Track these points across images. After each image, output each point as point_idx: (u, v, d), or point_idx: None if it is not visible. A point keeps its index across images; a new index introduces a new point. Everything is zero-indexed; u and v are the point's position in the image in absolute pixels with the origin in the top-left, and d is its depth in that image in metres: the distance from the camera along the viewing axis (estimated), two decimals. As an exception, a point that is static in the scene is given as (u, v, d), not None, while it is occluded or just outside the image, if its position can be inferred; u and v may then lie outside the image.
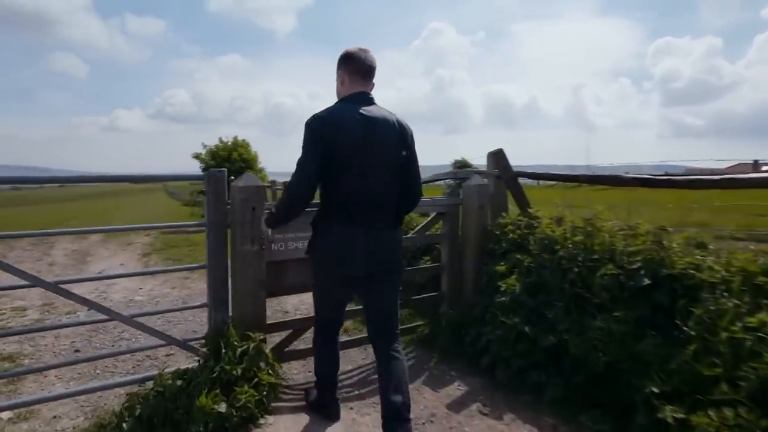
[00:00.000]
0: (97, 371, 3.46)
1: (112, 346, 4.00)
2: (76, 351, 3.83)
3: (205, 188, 2.76)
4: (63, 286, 2.42)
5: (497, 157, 3.77)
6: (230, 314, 2.82)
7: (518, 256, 3.30)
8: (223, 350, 2.50)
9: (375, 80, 2.12)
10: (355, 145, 1.95)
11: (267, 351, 2.72)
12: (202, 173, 2.75)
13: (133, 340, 4.24)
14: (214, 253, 2.78)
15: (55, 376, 3.36)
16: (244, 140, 15.19)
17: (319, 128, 1.96)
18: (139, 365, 3.56)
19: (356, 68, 2.07)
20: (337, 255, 2.06)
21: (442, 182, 5.50)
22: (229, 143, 14.94)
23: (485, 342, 3.14)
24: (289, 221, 2.35)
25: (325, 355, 2.48)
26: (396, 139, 2.05)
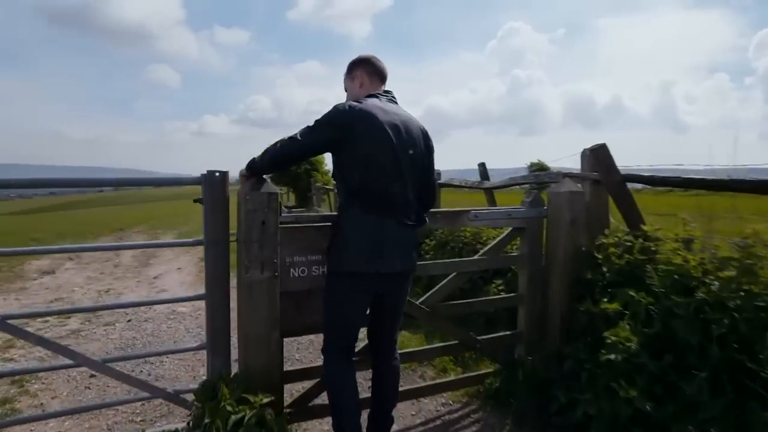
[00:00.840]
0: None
1: (132, 371, 3.51)
2: (87, 387, 3.35)
3: (202, 195, 2.11)
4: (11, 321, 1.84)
5: (599, 154, 2.81)
6: (236, 359, 2.15)
7: (632, 294, 2.34)
8: (207, 420, 1.80)
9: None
10: (389, 138, 1.91)
11: (274, 416, 1.98)
12: (198, 176, 2.09)
13: (157, 364, 3.77)
14: (212, 280, 2.12)
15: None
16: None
17: (345, 114, 1.92)
18: (136, 413, 2.98)
19: (376, 71, 2.12)
20: (373, 248, 1.90)
21: (519, 188, 4.60)
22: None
23: (582, 415, 2.22)
24: (267, 173, 2.13)
25: (346, 396, 2.03)
26: (422, 141, 2.07)
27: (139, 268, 8.15)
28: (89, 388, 3.30)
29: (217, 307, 2.11)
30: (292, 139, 1.92)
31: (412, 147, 1.98)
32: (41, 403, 3.05)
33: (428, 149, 2.09)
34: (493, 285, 3.77)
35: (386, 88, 2.15)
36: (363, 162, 1.90)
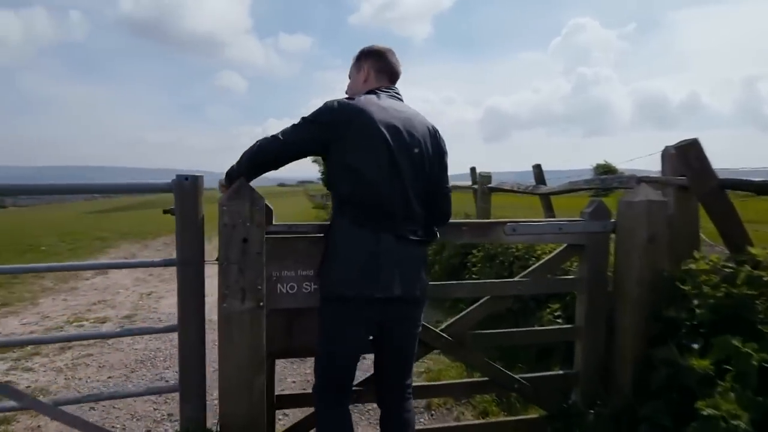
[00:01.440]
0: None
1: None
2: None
3: (174, 204, 1.73)
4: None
5: (688, 153, 2.17)
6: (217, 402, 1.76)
7: (736, 344, 1.70)
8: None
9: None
10: (385, 139, 1.61)
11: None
12: (168, 182, 1.72)
13: (174, 382, 3.50)
14: (184, 308, 1.74)
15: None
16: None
17: (334, 111, 1.65)
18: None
19: (386, 68, 1.83)
20: (361, 266, 1.59)
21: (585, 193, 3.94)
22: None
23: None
24: (247, 177, 1.76)
25: None
26: (431, 141, 1.74)
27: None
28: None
29: (190, 342, 1.73)
30: (273, 137, 1.67)
31: (416, 148, 1.67)
32: None
33: (438, 151, 1.76)
34: (548, 310, 3.17)
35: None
36: (354, 166, 1.61)
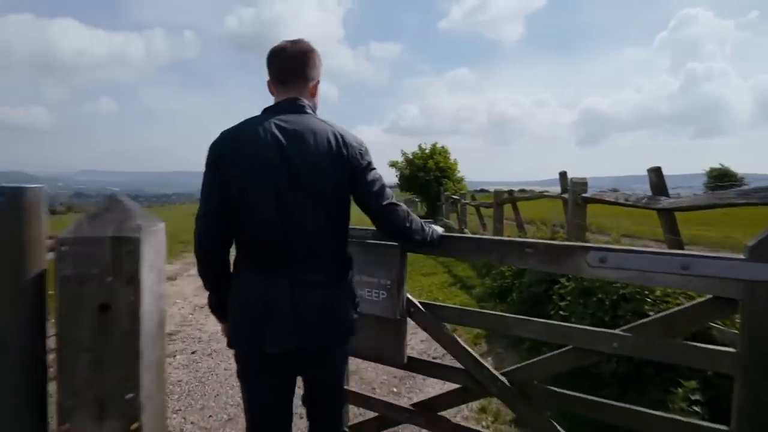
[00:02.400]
0: None
1: None
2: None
3: None
4: None
5: None
6: None
7: None
8: None
9: (308, 80, 1.53)
10: (263, 166, 1.38)
11: None
12: None
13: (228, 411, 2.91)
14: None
15: None
16: (443, 147, 13.77)
17: (214, 150, 1.44)
18: None
19: (275, 72, 1.52)
20: (252, 318, 1.43)
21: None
22: (427, 150, 13.71)
23: None
24: (217, 292, 1.54)
25: None
26: (330, 157, 1.41)
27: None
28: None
29: None
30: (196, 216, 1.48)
31: (314, 168, 1.40)
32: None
33: (347, 166, 1.44)
34: (680, 390, 2.07)
35: (295, 96, 1.51)
36: (240, 205, 1.41)
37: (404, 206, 1.53)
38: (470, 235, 1.65)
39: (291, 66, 1.50)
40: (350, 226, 1.60)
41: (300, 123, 1.43)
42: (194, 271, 9.28)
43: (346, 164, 1.43)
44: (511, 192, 6.29)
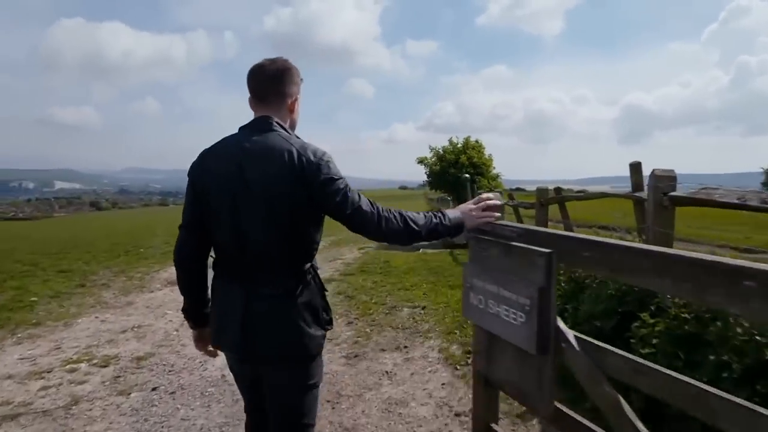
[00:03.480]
0: None
1: None
2: None
3: None
4: None
5: None
6: None
7: None
8: None
9: (283, 97, 1.58)
10: (225, 183, 1.48)
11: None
12: None
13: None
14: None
15: None
16: (477, 141, 12.57)
17: (193, 168, 1.57)
18: None
19: (253, 89, 1.58)
20: (216, 321, 1.61)
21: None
22: (459, 145, 12.54)
23: None
24: (189, 298, 1.67)
25: None
26: (286, 174, 1.44)
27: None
28: None
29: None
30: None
31: (264, 186, 1.44)
32: None
33: (307, 183, 1.44)
34: None
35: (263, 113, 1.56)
36: (207, 220, 1.54)
37: (372, 208, 1.51)
38: (642, 246, 1.14)
39: (269, 84, 1.55)
40: (503, 222, 1.65)
41: (262, 141, 1.49)
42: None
43: (303, 180, 1.45)
44: (558, 190, 5.15)
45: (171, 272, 8.20)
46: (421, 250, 10.34)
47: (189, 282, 1.63)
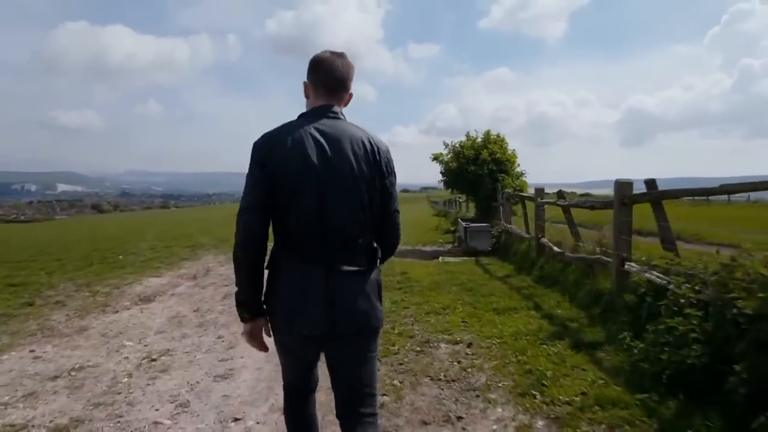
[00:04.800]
0: None
1: None
2: None
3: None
4: None
5: None
6: None
7: None
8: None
9: (353, 89, 1.73)
10: (306, 166, 1.54)
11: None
12: None
13: None
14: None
15: None
16: (498, 135, 11.18)
17: (259, 150, 1.58)
18: None
19: (322, 80, 1.66)
20: (287, 304, 1.59)
21: None
22: (479, 139, 11.16)
23: None
24: (250, 284, 1.61)
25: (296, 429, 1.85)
26: (364, 159, 1.60)
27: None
28: None
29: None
30: (239, 210, 1.56)
31: (350, 168, 1.56)
32: None
33: (379, 169, 1.62)
34: None
35: (334, 104, 1.66)
36: (281, 200, 1.55)
37: None
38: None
39: (341, 78, 1.65)
40: None
41: (338, 128, 1.60)
42: (183, 288, 7.25)
43: (377, 167, 1.61)
44: (652, 184, 3.74)
45: (146, 285, 6.84)
46: (441, 258, 8.97)
47: (254, 266, 1.58)
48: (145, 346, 4.26)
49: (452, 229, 15.20)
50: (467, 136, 11.46)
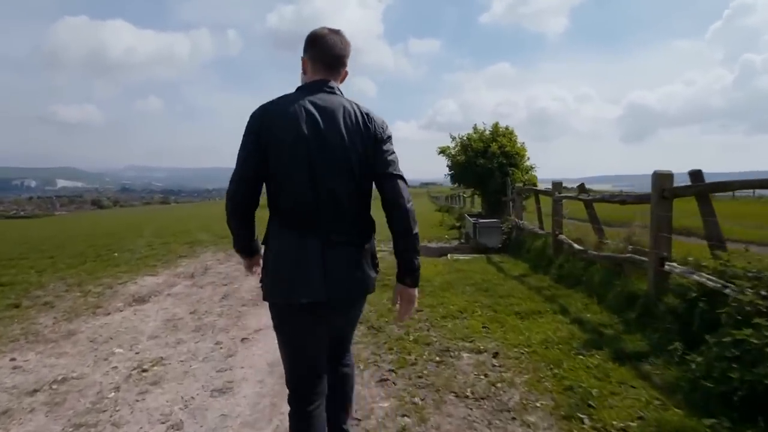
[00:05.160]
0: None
1: None
2: None
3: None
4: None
5: None
6: None
7: None
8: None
9: (349, 68, 1.77)
10: (298, 137, 1.58)
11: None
12: None
13: None
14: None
15: None
16: (507, 128, 10.77)
17: (256, 120, 1.63)
18: None
19: (320, 55, 1.70)
20: (287, 275, 1.63)
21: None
22: (487, 132, 10.74)
23: None
24: (243, 239, 1.81)
25: None
26: (356, 131, 1.64)
27: (248, 306, 5.29)
28: None
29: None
30: (230, 180, 1.66)
31: (339, 144, 1.59)
32: None
33: (370, 139, 1.64)
34: None
35: (331, 79, 1.70)
36: (275, 172, 1.61)
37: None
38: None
39: (339, 55, 1.70)
40: None
41: (332, 101, 1.64)
42: (180, 288, 6.88)
43: (370, 136, 1.64)
44: (698, 176, 3.34)
45: (140, 285, 6.47)
46: (449, 255, 8.59)
47: (245, 228, 1.75)
48: (137, 353, 3.90)
49: (457, 224, 14.81)
50: (474, 129, 11.05)
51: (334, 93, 1.67)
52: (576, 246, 5.54)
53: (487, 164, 9.98)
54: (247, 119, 1.63)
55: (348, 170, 1.60)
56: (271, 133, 1.57)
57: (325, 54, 1.67)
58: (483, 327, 3.99)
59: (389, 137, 1.70)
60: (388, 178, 1.64)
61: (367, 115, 1.66)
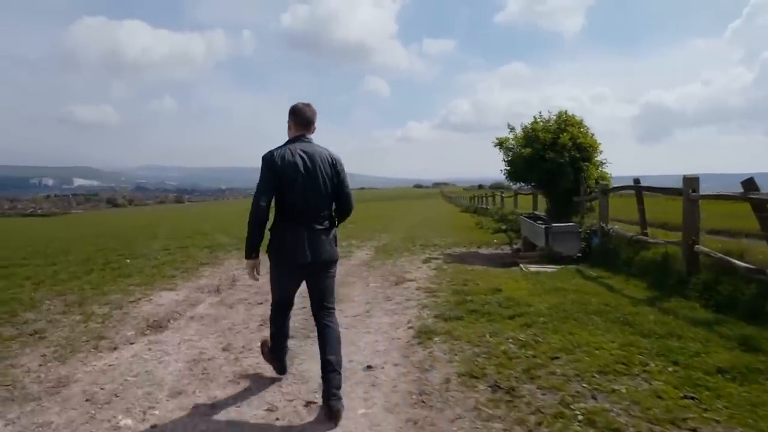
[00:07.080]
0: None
1: None
2: None
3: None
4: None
5: None
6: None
7: None
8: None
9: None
10: (296, 172, 2.73)
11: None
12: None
13: None
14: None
15: None
16: (575, 116, 9.27)
17: (270, 161, 2.73)
18: None
19: (298, 120, 2.89)
20: (290, 247, 2.75)
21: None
22: (552, 121, 9.22)
23: None
24: (256, 236, 2.78)
25: (279, 330, 3.11)
26: (328, 167, 2.82)
27: (298, 339, 3.93)
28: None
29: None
30: (254, 199, 2.74)
31: (317, 174, 2.76)
32: None
33: (335, 172, 2.84)
34: None
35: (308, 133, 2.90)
36: (283, 191, 2.74)
37: None
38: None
39: (310, 119, 2.89)
40: None
41: (312, 149, 2.82)
42: (205, 307, 5.54)
43: (334, 170, 2.83)
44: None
45: (156, 303, 5.17)
46: (521, 266, 7.16)
47: (261, 231, 2.76)
48: (153, 427, 2.58)
49: (503, 228, 13.36)
50: (535, 119, 9.57)
51: (311, 142, 2.87)
52: (736, 262, 4.09)
53: (558, 158, 8.50)
54: (263, 161, 2.74)
55: (324, 190, 2.79)
56: (278, 168, 2.70)
57: (301, 119, 2.87)
58: (684, 397, 2.56)
59: (343, 167, 2.90)
60: (345, 194, 2.91)
61: (331, 156, 2.85)
